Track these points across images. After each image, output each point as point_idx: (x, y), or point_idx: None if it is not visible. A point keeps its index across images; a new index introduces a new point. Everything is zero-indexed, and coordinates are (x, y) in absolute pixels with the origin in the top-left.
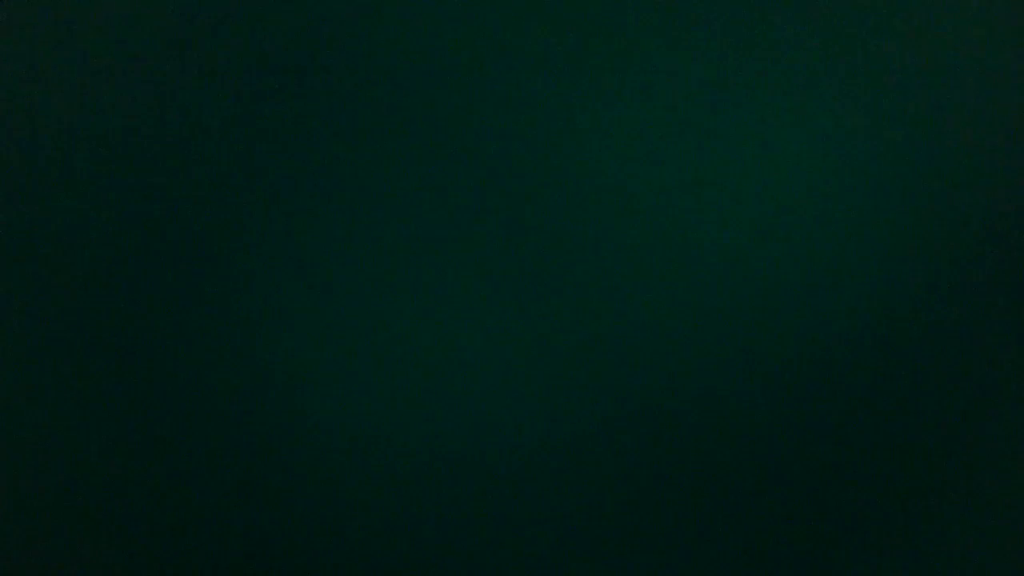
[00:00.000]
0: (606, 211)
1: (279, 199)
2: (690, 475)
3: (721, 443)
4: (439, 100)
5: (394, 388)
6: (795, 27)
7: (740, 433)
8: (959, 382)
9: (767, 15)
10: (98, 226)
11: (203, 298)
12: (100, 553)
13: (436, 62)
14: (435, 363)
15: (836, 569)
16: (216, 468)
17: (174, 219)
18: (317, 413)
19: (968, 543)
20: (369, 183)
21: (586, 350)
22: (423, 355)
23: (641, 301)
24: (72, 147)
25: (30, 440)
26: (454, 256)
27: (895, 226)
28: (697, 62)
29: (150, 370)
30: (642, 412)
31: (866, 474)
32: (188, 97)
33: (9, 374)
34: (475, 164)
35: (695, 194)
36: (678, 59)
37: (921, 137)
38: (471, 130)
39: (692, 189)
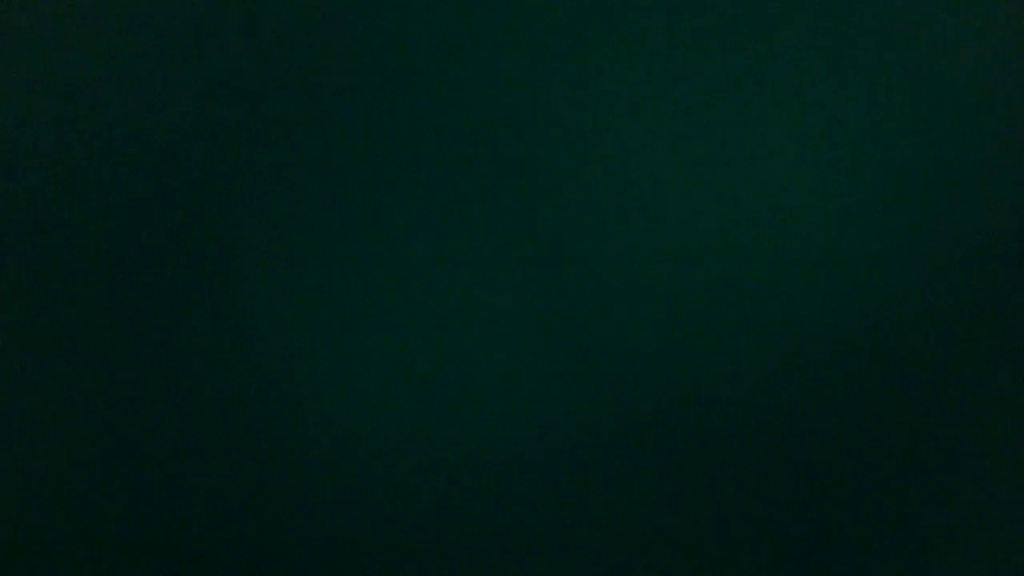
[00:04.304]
0: (606, 210)
1: (281, 195)
2: (690, 473)
3: (722, 440)
4: (442, 98)
5: (395, 385)
6: (796, 27)
7: (741, 430)
8: (958, 381)
9: (768, 15)
10: (97, 226)
11: (202, 297)
12: (99, 552)
13: (440, 62)
14: (436, 360)
15: (835, 567)
16: (215, 466)
17: (172, 218)
18: (317, 410)
19: (968, 543)
20: (372, 179)
21: (586, 348)
22: (424, 352)
23: (642, 298)
24: (71, 147)
25: (30, 440)
26: (454, 255)
27: (894, 225)
28: (699, 61)
29: (148, 370)
30: (642, 409)
31: (867, 473)
32: (187, 97)
33: (9, 374)
34: (476, 163)
35: (696, 193)
36: (680, 58)
37: (920, 137)
38: (472, 131)
39: (693, 188)
